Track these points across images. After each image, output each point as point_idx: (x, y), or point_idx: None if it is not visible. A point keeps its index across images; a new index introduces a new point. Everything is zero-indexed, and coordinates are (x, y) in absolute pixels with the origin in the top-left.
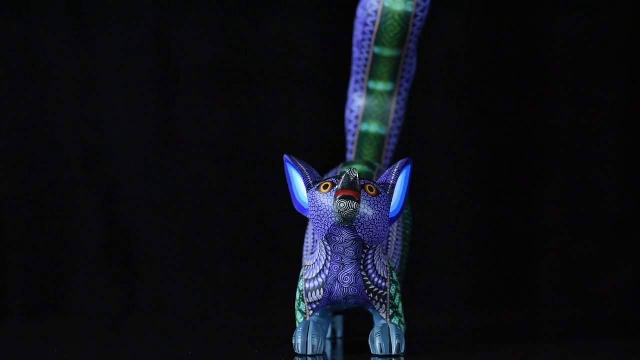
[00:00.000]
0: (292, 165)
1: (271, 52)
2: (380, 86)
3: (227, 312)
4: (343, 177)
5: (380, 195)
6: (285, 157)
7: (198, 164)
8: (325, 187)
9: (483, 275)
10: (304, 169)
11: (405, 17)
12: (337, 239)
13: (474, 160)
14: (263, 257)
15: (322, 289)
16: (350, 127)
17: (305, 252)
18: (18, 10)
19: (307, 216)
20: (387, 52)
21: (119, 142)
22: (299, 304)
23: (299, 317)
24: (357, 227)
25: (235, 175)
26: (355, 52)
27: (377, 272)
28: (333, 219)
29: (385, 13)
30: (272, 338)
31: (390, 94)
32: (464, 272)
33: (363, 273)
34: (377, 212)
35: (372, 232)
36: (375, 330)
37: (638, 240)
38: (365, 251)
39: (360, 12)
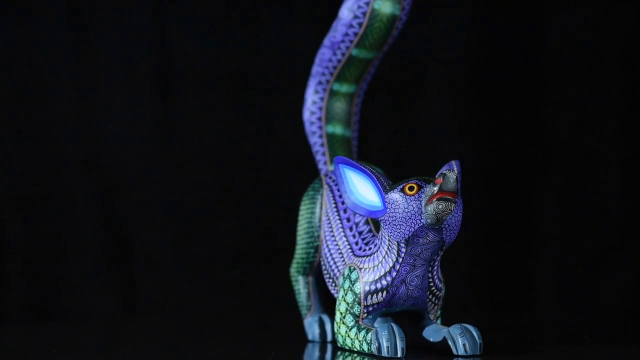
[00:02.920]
0: (352, 167)
1: (269, 55)
2: (345, 88)
3: (226, 314)
4: (444, 178)
5: (460, 198)
6: (339, 158)
7: (197, 166)
8: (411, 188)
9: (481, 280)
10: (374, 171)
11: (392, 20)
12: (421, 240)
13: (472, 162)
14: (262, 259)
15: (385, 291)
16: (313, 128)
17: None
18: (17, 12)
19: (380, 218)
20: (365, 54)
21: (117, 145)
22: (352, 307)
23: (350, 320)
24: (443, 229)
25: (233, 177)
26: (326, 54)
27: (438, 274)
28: (422, 220)
29: (374, 15)
30: (273, 339)
31: (351, 96)
32: (462, 277)
33: (429, 275)
34: (460, 214)
35: (454, 233)
36: (456, 330)
37: (637, 243)
38: (440, 252)
39: (344, 13)
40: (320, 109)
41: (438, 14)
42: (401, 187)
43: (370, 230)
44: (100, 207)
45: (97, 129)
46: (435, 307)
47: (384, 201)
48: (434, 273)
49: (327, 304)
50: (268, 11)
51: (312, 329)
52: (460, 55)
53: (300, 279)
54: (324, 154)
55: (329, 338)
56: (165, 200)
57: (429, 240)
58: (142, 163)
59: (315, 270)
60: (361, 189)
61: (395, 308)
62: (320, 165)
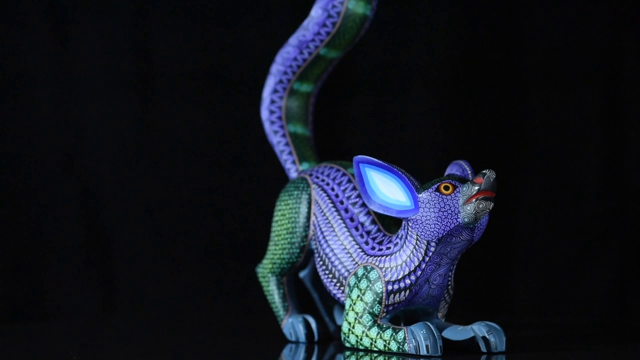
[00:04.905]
0: (375, 166)
1: (249, 56)
2: (304, 87)
3: (207, 313)
4: (484, 178)
5: None
6: (360, 158)
7: (176, 165)
8: (446, 188)
9: (460, 279)
10: (403, 171)
11: (364, 20)
12: (454, 239)
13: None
14: (242, 257)
15: (408, 290)
16: (275, 128)
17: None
18: None
19: (411, 217)
20: (333, 53)
21: (98, 145)
22: (372, 306)
23: (367, 320)
24: (476, 228)
25: (213, 175)
26: (292, 52)
27: (454, 273)
28: (459, 219)
29: (348, 15)
30: (254, 338)
31: (309, 95)
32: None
33: (450, 273)
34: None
35: (481, 232)
36: (483, 328)
37: (617, 242)
38: (463, 251)
39: (318, 12)
40: (280, 108)
41: (421, 15)
42: (436, 186)
43: (379, 230)
44: (80, 205)
45: (77, 130)
46: (446, 305)
47: (415, 201)
48: (453, 272)
49: (304, 304)
50: (247, 14)
51: (296, 330)
52: (442, 56)
53: (273, 279)
54: (290, 153)
55: (316, 338)
56: (144, 198)
57: (461, 239)
58: (122, 161)
59: (295, 271)
60: (385, 188)
61: (412, 307)
62: (288, 165)
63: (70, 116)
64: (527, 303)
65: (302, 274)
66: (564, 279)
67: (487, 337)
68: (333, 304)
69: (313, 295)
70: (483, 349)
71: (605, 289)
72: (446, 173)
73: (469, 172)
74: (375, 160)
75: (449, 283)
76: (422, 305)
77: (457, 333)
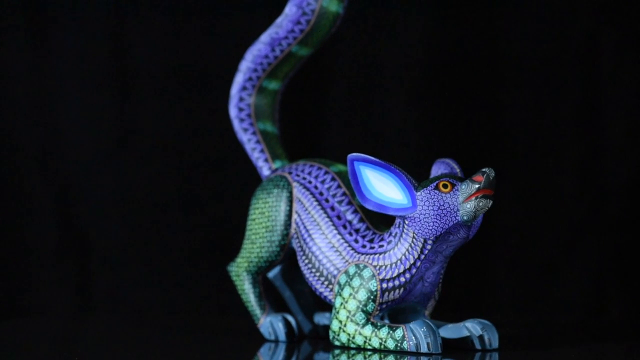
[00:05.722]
0: (370, 164)
1: (227, 53)
2: (273, 85)
3: (183, 312)
4: (484, 176)
5: None
6: (354, 156)
7: (153, 164)
8: (445, 186)
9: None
10: (400, 169)
11: (336, 19)
12: (451, 237)
13: (429, 162)
14: (219, 256)
15: (402, 288)
16: (244, 125)
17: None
18: None
19: (408, 215)
20: (304, 51)
21: (74, 142)
22: (365, 304)
23: (360, 318)
24: (472, 226)
25: (191, 174)
26: (263, 50)
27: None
28: (458, 217)
29: (322, 13)
30: (231, 337)
31: (276, 93)
32: None
33: (442, 271)
34: None
35: (476, 229)
36: (477, 326)
37: (593, 242)
38: (456, 249)
39: (293, 10)
40: (249, 105)
41: (397, 11)
42: (434, 184)
43: (368, 228)
44: (56, 204)
45: (53, 127)
46: (434, 302)
47: (413, 198)
48: (444, 270)
49: (279, 303)
50: (224, 12)
51: (275, 329)
52: (417, 54)
53: (248, 277)
54: (262, 151)
55: (296, 337)
56: (121, 197)
57: (458, 237)
58: (99, 160)
59: (271, 269)
60: (380, 186)
61: (402, 305)
62: (260, 163)
63: (46, 114)
64: (506, 302)
65: (270, 274)
66: (543, 278)
67: (482, 334)
68: (306, 303)
69: (284, 294)
70: (478, 346)
71: (584, 288)
72: (433, 171)
73: (458, 170)
74: (371, 157)
75: (440, 281)
76: (412, 303)
77: (451, 331)
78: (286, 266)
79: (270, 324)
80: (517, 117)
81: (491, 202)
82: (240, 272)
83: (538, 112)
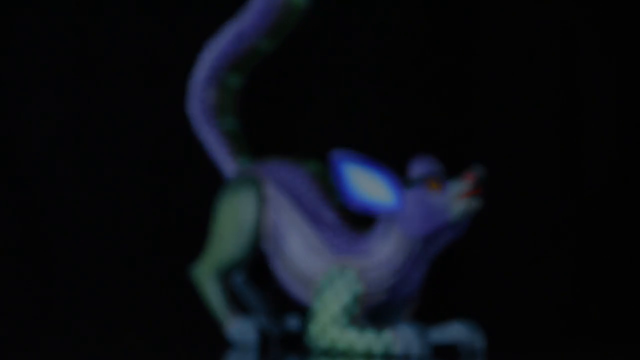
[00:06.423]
0: (356, 164)
1: (188, 46)
2: (233, 80)
3: (146, 312)
4: (475, 176)
5: None
6: (338, 154)
7: (117, 162)
8: (434, 185)
9: None
10: (385, 168)
11: (302, 13)
12: (439, 239)
13: (402, 162)
14: (185, 256)
15: (388, 290)
16: (204, 122)
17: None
18: None
19: (396, 214)
20: (267, 46)
21: (34, 140)
22: (349, 307)
23: (345, 321)
24: (460, 226)
25: (156, 172)
26: (226, 45)
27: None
28: (447, 217)
29: (287, 6)
30: (198, 341)
31: (238, 87)
32: None
33: (424, 272)
34: None
35: (462, 230)
36: (463, 328)
37: (572, 245)
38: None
39: (258, 3)
40: (210, 100)
41: (370, 3)
42: (423, 183)
43: (348, 227)
44: (16, 205)
45: (13, 124)
46: (416, 303)
47: (401, 198)
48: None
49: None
50: (185, 6)
51: (246, 335)
52: (390, 49)
53: (215, 280)
54: (223, 147)
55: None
56: (84, 196)
57: (446, 238)
58: (59, 158)
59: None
60: (366, 186)
61: (386, 306)
62: (222, 160)
63: (7, 111)
64: (492, 303)
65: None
66: (520, 282)
67: (468, 336)
68: (270, 308)
69: (249, 299)
70: (465, 348)
71: (563, 292)
72: (414, 169)
73: (439, 169)
74: (355, 157)
75: (421, 283)
76: (394, 305)
77: (437, 334)
78: (248, 271)
79: (239, 330)
80: (495, 118)
81: (482, 201)
82: (205, 275)
83: (516, 113)
